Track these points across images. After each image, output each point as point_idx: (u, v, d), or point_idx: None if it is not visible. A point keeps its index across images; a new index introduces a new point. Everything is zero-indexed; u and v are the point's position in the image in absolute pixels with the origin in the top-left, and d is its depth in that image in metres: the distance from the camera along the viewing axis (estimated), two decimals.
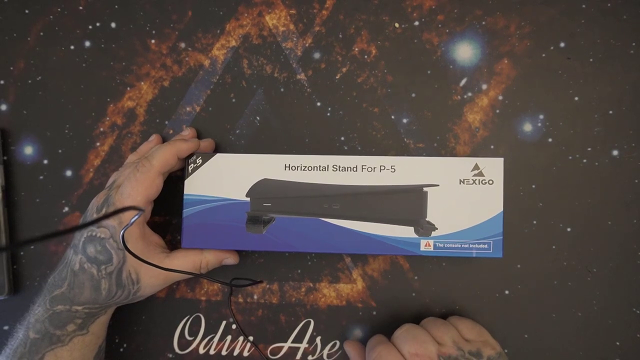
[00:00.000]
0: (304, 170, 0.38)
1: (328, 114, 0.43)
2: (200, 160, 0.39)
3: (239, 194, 0.38)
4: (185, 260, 0.38)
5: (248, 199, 0.38)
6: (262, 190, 0.38)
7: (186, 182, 0.39)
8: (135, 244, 0.36)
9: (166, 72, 0.44)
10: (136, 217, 0.32)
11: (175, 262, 0.38)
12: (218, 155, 0.39)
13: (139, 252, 0.36)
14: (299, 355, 0.43)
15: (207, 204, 0.38)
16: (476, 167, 0.37)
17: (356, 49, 0.43)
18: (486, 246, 0.37)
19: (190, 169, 0.39)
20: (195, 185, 0.39)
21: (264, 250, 0.43)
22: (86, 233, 0.36)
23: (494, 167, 0.37)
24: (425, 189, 0.37)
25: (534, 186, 0.42)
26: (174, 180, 0.42)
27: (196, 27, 0.44)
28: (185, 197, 0.39)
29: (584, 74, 0.42)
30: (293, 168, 0.38)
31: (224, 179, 0.38)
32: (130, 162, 0.41)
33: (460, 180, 0.37)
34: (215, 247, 0.39)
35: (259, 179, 0.38)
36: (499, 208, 0.37)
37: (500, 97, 0.43)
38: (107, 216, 0.25)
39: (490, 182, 0.37)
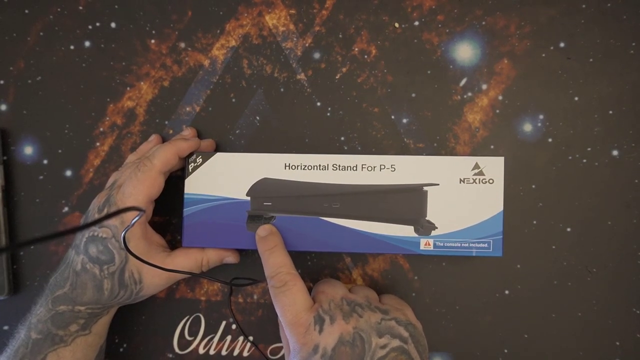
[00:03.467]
0: (304, 169, 0.38)
1: (328, 114, 0.43)
2: (201, 160, 0.39)
3: (239, 193, 0.38)
4: (187, 259, 0.39)
5: (248, 198, 0.38)
6: (263, 189, 0.38)
7: (186, 181, 0.39)
8: (137, 244, 0.36)
9: (166, 72, 0.44)
10: (138, 217, 0.32)
11: (177, 260, 0.38)
12: (218, 154, 0.39)
13: (141, 253, 0.36)
14: None
15: (207, 203, 0.38)
16: (476, 166, 0.37)
17: (356, 49, 0.43)
18: (486, 245, 0.37)
19: (190, 168, 0.39)
20: (196, 185, 0.39)
21: None
22: (88, 233, 0.36)
23: (494, 166, 0.37)
24: (425, 188, 0.37)
25: (534, 186, 0.42)
26: (174, 180, 0.42)
27: (196, 27, 0.44)
28: (185, 196, 0.38)
29: (584, 74, 0.42)
30: (293, 167, 0.38)
31: (224, 178, 0.38)
32: (130, 162, 0.41)
33: (461, 179, 0.37)
34: (215, 246, 0.39)
35: (259, 178, 0.38)
36: (499, 207, 0.37)
37: (500, 97, 0.43)
38: (109, 216, 0.25)
39: (491, 181, 0.37)
